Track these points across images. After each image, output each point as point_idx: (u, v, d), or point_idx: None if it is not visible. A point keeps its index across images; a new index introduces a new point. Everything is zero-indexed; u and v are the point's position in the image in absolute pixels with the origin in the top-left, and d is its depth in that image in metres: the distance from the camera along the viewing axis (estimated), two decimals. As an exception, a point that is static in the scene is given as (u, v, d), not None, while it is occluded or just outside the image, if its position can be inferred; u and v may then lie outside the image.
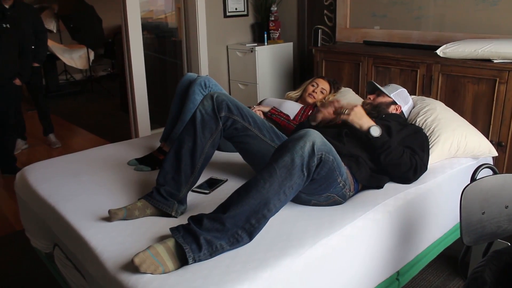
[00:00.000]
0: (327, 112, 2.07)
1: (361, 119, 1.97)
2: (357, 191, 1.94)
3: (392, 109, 2.31)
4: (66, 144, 4.63)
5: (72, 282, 1.88)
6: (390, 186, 1.97)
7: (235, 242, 1.48)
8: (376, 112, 2.26)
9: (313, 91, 2.82)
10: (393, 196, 1.89)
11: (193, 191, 1.97)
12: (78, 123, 5.49)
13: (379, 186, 1.96)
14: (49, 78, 6.77)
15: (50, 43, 5.18)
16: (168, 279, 1.37)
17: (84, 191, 2.01)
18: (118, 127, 5.06)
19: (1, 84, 3.63)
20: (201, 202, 1.90)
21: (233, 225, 1.46)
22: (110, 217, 1.70)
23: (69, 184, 2.10)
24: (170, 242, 1.44)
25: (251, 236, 1.50)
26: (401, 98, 2.36)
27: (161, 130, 2.52)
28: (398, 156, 1.92)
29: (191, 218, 1.51)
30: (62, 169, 2.29)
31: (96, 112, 6.06)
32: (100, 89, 7.24)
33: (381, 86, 2.37)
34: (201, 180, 2.03)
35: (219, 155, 2.35)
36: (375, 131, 1.93)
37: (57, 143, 4.55)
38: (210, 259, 1.45)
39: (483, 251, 1.97)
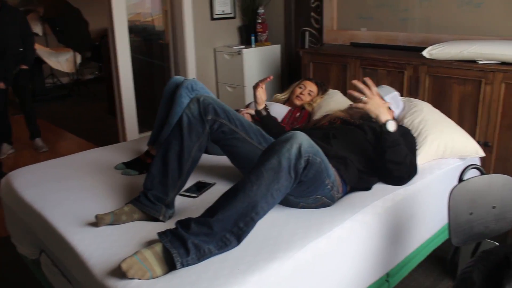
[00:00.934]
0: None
1: (378, 109, 1.91)
2: (345, 192, 1.94)
3: None
4: (53, 148, 4.58)
5: (59, 288, 1.86)
6: (378, 188, 1.98)
7: (223, 246, 1.47)
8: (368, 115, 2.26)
9: (301, 93, 2.83)
10: (381, 198, 1.89)
11: (181, 194, 1.96)
12: (65, 127, 5.43)
13: (367, 187, 1.96)
14: (36, 82, 6.70)
15: (36, 46, 5.11)
16: (156, 284, 1.35)
17: (71, 196, 1.99)
18: (105, 130, 5.02)
19: None
20: (189, 206, 1.88)
21: (221, 229, 1.45)
22: (97, 222, 1.68)
23: (56, 189, 2.07)
24: (158, 247, 1.43)
25: (239, 240, 1.49)
26: (395, 103, 2.37)
27: (149, 133, 2.50)
28: (404, 155, 1.92)
29: (178, 223, 1.50)
30: (48, 174, 2.26)
31: (83, 115, 6.01)
32: (87, 92, 7.18)
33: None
34: (189, 184, 2.02)
35: (207, 158, 2.33)
36: (392, 126, 1.90)
37: (43, 147, 4.50)
38: (198, 264, 1.44)
39: (471, 251, 1.99)
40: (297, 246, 1.54)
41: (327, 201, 1.81)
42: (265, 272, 1.41)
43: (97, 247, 1.58)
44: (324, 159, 1.68)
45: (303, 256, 1.52)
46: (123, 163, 2.31)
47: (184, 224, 1.47)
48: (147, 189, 1.77)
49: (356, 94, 1.92)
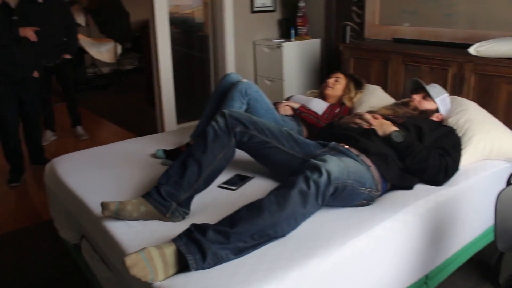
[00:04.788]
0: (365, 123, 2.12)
1: (382, 128, 2.03)
2: (385, 190, 1.91)
3: (434, 117, 2.28)
4: (93, 137, 4.69)
5: (98, 273, 1.90)
6: (420, 188, 1.94)
7: (239, 252, 1.45)
8: (419, 116, 2.25)
9: (328, 81, 2.79)
10: (423, 198, 1.85)
11: (220, 187, 1.97)
12: (104, 116, 5.55)
13: (409, 186, 1.93)
14: (78, 71, 6.86)
15: (79, 36, 5.25)
16: (192, 275, 1.37)
17: (111, 184, 2.03)
18: (144, 121, 5.09)
19: (25, 76, 3.65)
20: (227, 198, 1.88)
21: (236, 240, 1.43)
22: (102, 210, 1.67)
23: (97, 176, 2.12)
24: (168, 250, 1.39)
25: (253, 248, 1.47)
26: (444, 105, 2.34)
27: (188, 125, 2.53)
28: (424, 159, 1.90)
29: (194, 226, 1.46)
30: (90, 161, 2.32)
31: (122, 105, 6.11)
32: (126, 82, 7.30)
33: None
34: (228, 176, 2.03)
35: (244, 153, 2.33)
36: (397, 137, 1.96)
37: (84, 135, 4.61)
38: (236, 258, 1.44)
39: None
40: (337, 243, 1.52)
41: (365, 202, 1.80)
42: (305, 268, 1.40)
43: (134, 236, 1.61)
44: (357, 176, 1.69)
45: (342, 254, 1.50)
46: (163, 150, 2.33)
47: (201, 229, 1.44)
48: (160, 184, 1.74)
49: (359, 121, 2.10)
